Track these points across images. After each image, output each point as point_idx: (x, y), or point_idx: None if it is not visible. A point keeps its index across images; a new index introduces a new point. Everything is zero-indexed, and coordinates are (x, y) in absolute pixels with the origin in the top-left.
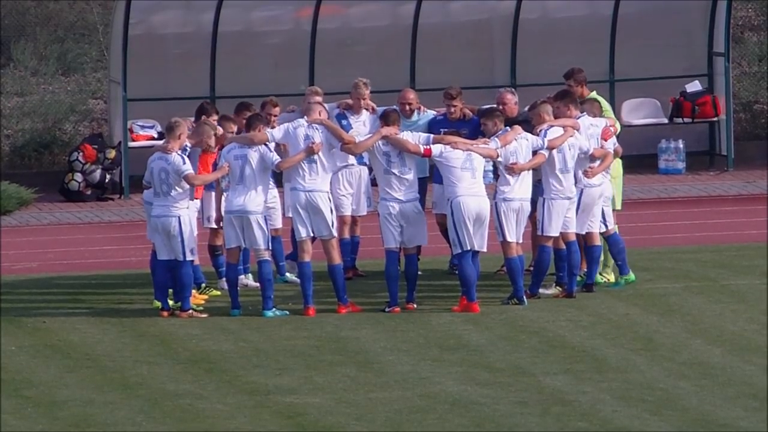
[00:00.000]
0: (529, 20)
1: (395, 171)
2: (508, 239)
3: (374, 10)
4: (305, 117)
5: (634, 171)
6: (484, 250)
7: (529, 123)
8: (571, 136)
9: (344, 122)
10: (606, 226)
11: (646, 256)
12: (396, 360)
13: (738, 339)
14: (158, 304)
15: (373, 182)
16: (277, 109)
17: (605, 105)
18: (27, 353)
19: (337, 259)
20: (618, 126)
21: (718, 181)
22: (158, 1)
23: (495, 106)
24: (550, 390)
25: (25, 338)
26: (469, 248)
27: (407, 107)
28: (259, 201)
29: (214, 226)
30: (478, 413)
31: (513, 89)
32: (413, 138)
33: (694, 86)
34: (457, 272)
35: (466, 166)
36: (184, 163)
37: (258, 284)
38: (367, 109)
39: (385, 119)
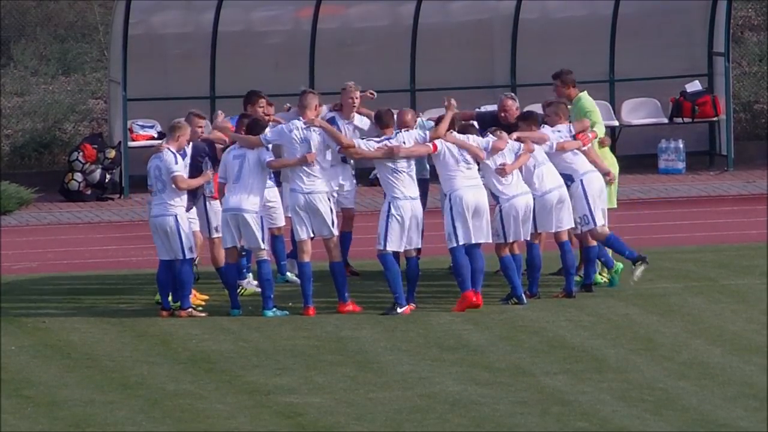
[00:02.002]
0: (529, 20)
1: (405, 169)
2: (499, 241)
3: (374, 10)
4: (301, 118)
5: (634, 171)
6: (490, 241)
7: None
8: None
9: (334, 126)
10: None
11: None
12: (396, 360)
13: (738, 339)
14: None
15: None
16: (272, 108)
17: (588, 105)
18: (27, 353)
19: (338, 257)
20: (599, 130)
21: (718, 181)
22: (158, 1)
23: (495, 110)
24: (550, 390)
25: (25, 338)
26: (463, 242)
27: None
28: (255, 200)
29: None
30: (478, 413)
31: (513, 95)
32: (413, 140)
33: (694, 86)
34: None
35: (460, 159)
36: (176, 163)
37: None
38: (360, 113)
39: (379, 120)
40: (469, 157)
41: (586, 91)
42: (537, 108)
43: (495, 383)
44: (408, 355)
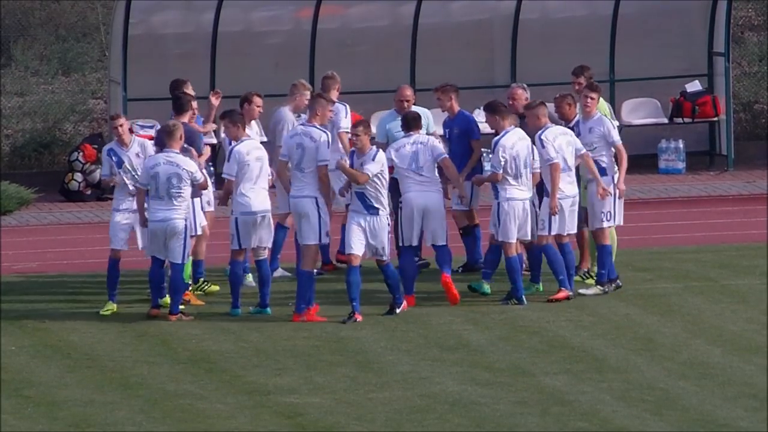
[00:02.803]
0: (529, 20)
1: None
2: (510, 240)
3: (374, 10)
4: (304, 117)
5: (634, 171)
6: (444, 243)
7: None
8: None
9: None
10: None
11: (646, 256)
12: (396, 360)
13: (738, 339)
14: (112, 307)
15: None
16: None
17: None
18: (27, 353)
19: (309, 265)
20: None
21: (718, 181)
22: (158, 1)
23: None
24: (550, 390)
25: (25, 338)
26: (408, 245)
27: (404, 104)
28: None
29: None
30: (478, 413)
31: (524, 85)
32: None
33: (694, 86)
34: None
35: (412, 167)
36: (199, 169)
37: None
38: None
39: (354, 126)
40: (422, 164)
41: (605, 103)
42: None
43: (495, 383)
44: (408, 355)
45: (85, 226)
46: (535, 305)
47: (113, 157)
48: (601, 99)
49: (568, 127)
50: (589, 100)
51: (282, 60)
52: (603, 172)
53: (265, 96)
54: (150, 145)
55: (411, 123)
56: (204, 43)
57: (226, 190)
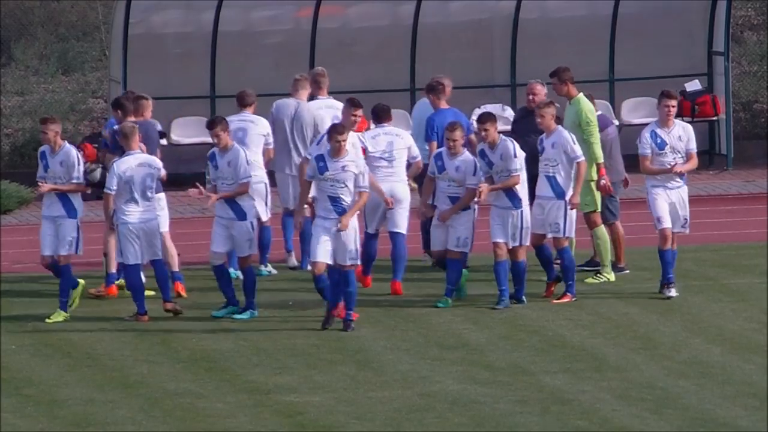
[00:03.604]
0: (528, 20)
1: None
2: (523, 244)
3: (374, 10)
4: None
5: (634, 170)
6: (404, 231)
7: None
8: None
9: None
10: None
11: (646, 256)
12: (396, 359)
13: (737, 338)
14: (64, 314)
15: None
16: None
17: (589, 113)
18: (27, 352)
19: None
20: (596, 152)
21: (718, 181)
22: (158, 1)
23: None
24: (550, 389)
25: (25, 337)
26: (372, 231)
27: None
28: None
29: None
30: (478, 412)
31: (542, 81)
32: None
33: (694, 85)
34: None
35: (385, 155)
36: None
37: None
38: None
39: (340, 132)
40: (396, 155)
41: (585, 96)
42: None
43: (495, 382)
44: (408, 354)
45: (85, 226)
46: (534, 305)
47: (42, 161)
48: (583, 98)
49: None
50: (670, 108)
51: (282, 60)
52: (684, 179)
53: (265, 96)
54: (74, 153)
55: (381, 114)
56: (204, 43)
57: (242, 192)
